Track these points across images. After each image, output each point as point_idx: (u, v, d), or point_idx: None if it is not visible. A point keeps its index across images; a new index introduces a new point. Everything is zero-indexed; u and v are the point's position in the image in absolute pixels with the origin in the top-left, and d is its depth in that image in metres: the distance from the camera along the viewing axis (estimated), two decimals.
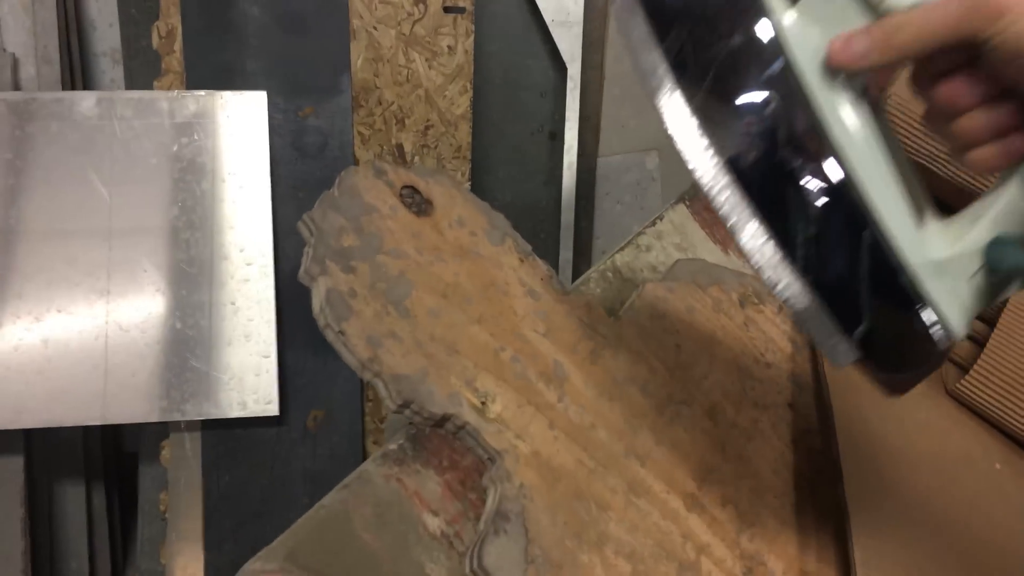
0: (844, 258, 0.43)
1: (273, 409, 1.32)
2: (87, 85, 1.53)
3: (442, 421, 0.60)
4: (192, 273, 1.32)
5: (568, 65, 1.53)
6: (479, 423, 0.61)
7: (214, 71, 1.36)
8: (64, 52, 1.43)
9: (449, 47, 1.40)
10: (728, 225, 0.45)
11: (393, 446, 0.59)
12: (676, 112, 0.45)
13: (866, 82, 0.44)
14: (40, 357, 1.22)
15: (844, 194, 0.43)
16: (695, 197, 0.96)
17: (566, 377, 0.67)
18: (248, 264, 1.34)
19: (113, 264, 1.29)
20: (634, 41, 0.46)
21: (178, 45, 1.33)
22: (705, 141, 0.44)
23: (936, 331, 0.44)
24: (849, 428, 0.77)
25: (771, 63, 0.43)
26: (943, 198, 1.05)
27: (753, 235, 0.44)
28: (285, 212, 1.37)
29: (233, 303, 1.33)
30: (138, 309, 1.28)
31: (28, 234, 1.25)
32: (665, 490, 0.67)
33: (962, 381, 0.91)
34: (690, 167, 0.45)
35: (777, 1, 0.44)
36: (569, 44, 1.52)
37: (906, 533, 0.73)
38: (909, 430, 0.84)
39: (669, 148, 1.82)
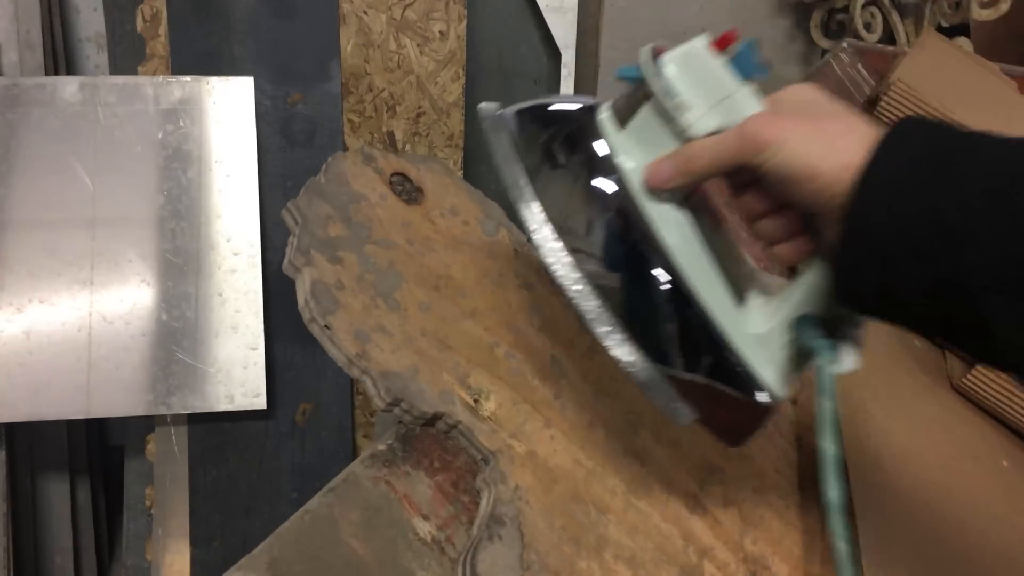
0: (679, 336, 0.51)
1: (261, 403, 1.29)
2: (71, 71, 1.50)
3: (433, 420, 0.57)
4: (178, 263, 1.28)
5: (562, 52, 1.50)
6: (472, 422, 0.58)
7: (200, 56, 1.32)
8: (47, 37, 1.39)
9: (441, 32, 1.37)
10: (579, 313, 0.52)
11: (382, 446, 0.56)
12: (535, 219, 0.53)
13: (685, 190, 0.52)
14: (22, 349, 1.19)
15: (673, 284, 0.51)
16: None
17: (563, 373, 0.65)
18: (235, 254, 1.31)
19: (97, 254, 1.25)
20: (499, 157, 0.55)
21: (163, 29, 1.30)
22: (560, 244, 0.52)
23: (759, 394, 0.52)
24: (854, 425, 0.75)
25: (607, 177, 0.52)
26: None
27: (598, 318, 0.52)
28: (273, 201, 1.34)
29: (220, 294, 1.30)
30: (122, 300, 1.25)
31: (9, 223, 1.21)
32: (666, 491, 0.64)
33: (968, 376, 0.88)
34: (550, 267, 0.53)
35: (610, 125, 0.53)
36: (563, 30, 1.49)
37: (912, 532, 0.70)
38: (914, 426, 0.82)
39: None
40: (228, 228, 1.30)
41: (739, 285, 0.53)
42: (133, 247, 1.27)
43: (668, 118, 0.50)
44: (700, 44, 0.50)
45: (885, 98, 0.97)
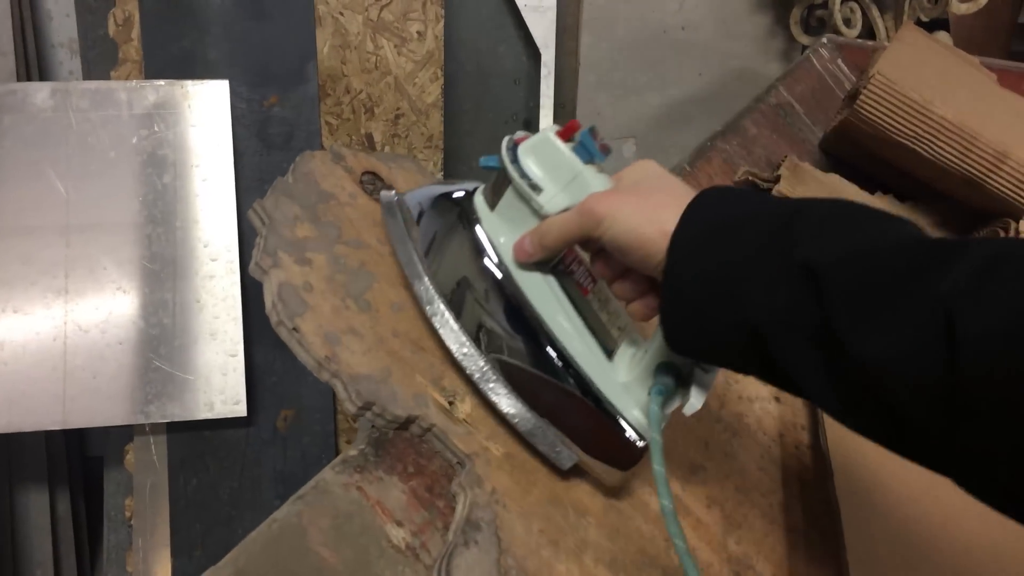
0: (557, 388, 0.57)
1: (241, 410, 1.28)
2: (43, 77, 1.48)
3: (407, 423, 0.56)
4: (154, 270, 1.27)
5: (542, 51, 1.49)
6: (447, 425, 0.57)
7: (174, 60, 1.31)
8: (19, 43, 1.37)
9: (419, 33, 1.35)
10: (467, 374, 0.58)
11: (353, 452, 0.54)
12: (427, 293, 0.59)
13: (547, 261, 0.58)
14: None
15: (548, 342, 0.57)
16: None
17: None
18: (213, 260, 1.29)
19: (71, 262, 1.23)
20: (394, 239, 0.61)
21: (136, 33, 1.28)
22: (449, 314, 0.59)
23: (631, 434, 0.57)
24: (835, 425, 0.74)
25: (482, 251, 0.58)
26: (926, 175, 1.02)
27: (483, 376, 0.58)
28: (250, 204, 1.32)
29: (198, 300, 1.28)
30: (98, 308, 1.23)
31: None
32: (647, 492, 0.63)
33: None
34: (441, 335, 0.59)
35: (482, 206, 0.60)
36: (543, 30, 1.48)
37: (897, 530, 0.69)
38: None
39: (646, 135, 1.79)
40: (205, 233, 1.28)
41: (607, 339, 0.60)
42: (108, 254, 1.25)
43: (526, 199, 0.56)
44: (549, 134, 0.56)
45: (865, 92, 0.96)
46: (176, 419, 1.26)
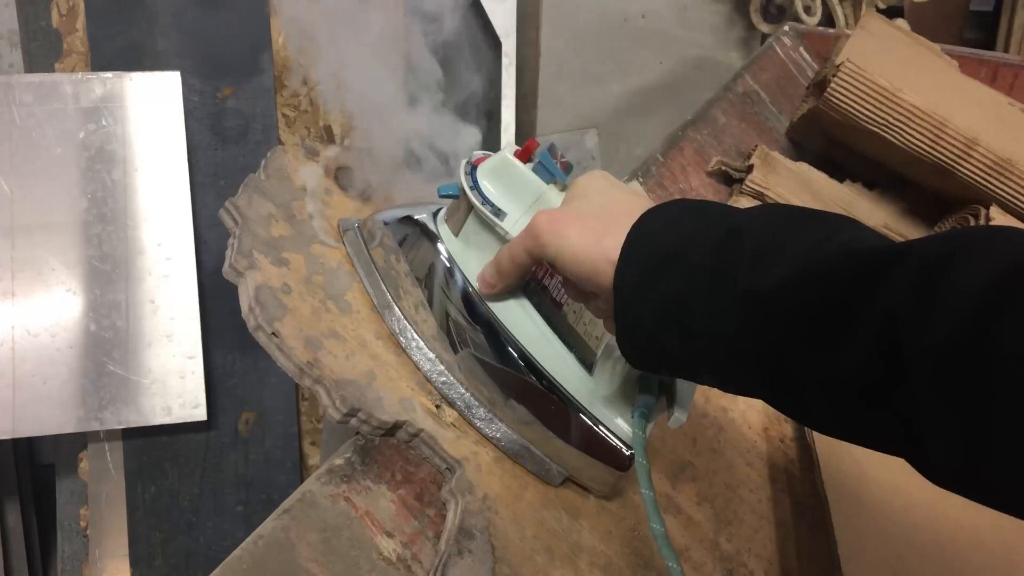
0: (540, 408, 0.56)
1: (201, 414, 1.23)
2: None
3: (393, 429, 0.53)
4: (105, 270, 1.22)
5: (502, 40, 1.46)
6: (435, 429, 0.54)
7: (122, 51, 1.25)
8: None
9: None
10: (449, 401, 0.57)
11: (339, 460, 0.52)
12: (398, 323, 0.58)
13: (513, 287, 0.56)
14: None
15: (530, 366, 0.56)
16: (647, 173, 0.91)
17: None
18: (167, 259, 1.24)
19: (17, 263, 1.18)
20: (360, 266, 0.60)
21: (81, 23, 1.23)
22: (422, 342, 0.57)
23: (616, 443, 0.56)
24: None
25: (450, 278, 0.57)
26: (895, 162, 1.02)
27: (466, 404, 0.57)
28: (205, 202, 1.28)
29: (152, 301, 1.23)
30: (47, 311, 1.18)
31: None
32: (639, 492, 0.61)
33: None
34: (417, 364, 0.58)
35: (447, 232, 0.58)
36: (503, 19, 1.45)
37: (884, 521, 0.69)
38: None
39: (607, 125, 1.78)
40: (158, 231, 1.24)
41: (585, 352, 0.59)
42: (56, 254, 1.19)
43: (490, 225, 0.55)
44: (507, 155, 0.55)
45: (835, 80, 0.96)
46: (132, 425, 1.21)
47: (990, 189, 0.94)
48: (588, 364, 0.57)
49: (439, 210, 0.59)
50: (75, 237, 1.20)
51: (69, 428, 1.18)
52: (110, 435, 1.27)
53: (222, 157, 1.32)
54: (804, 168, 1.05)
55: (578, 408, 0.56)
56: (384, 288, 0.58)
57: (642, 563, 0.58)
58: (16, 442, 1.44)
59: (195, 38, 1.28)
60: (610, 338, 0.59)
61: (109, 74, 1.21)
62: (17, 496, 1.43)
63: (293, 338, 0.52)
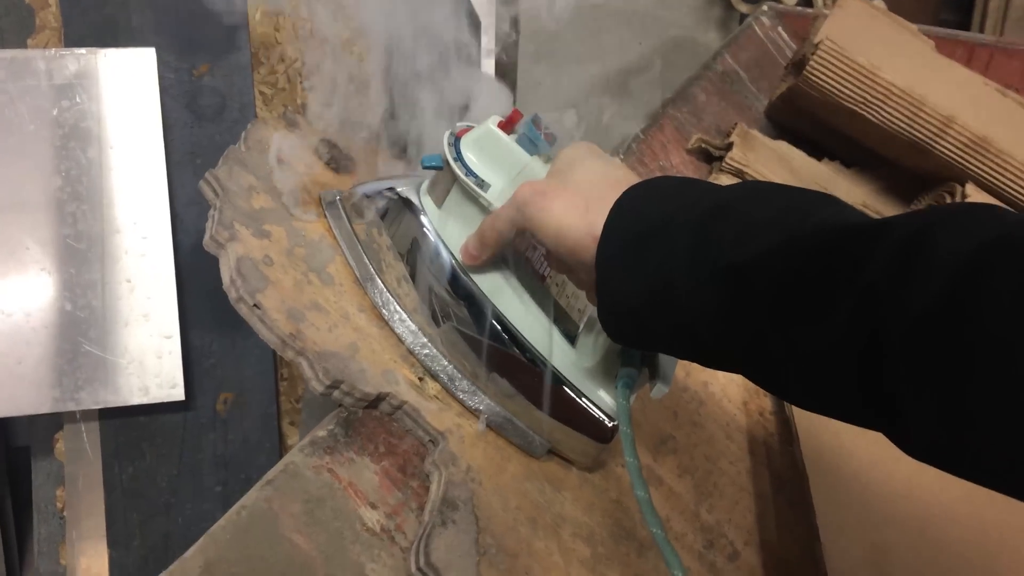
0: (523, 380, 0.56)
1: (178, 393, 1.22)
2: None
3: (376, 401, 0.53)
4: (81, 249, 1.20)
5: (482, 19, 1.45)
6: (418, 401, 0.54)
7: (95, 27, 1.23)
8: None
9: None
10: (432, 373, 0.57)
11: (322, 432, 0.51)
12: (381, 295, 0.58)
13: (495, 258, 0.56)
14: None
15: (510, 335, 0.56)
16: (628, 151, 0.91)
17: None
18: (143, 238, 1.23)
19: None
20: (342, 239, 0.59)
21: None
22: (405, 315, 0.57)
23: (599, 415, 0.57)
24: None
25: (433, 250, 0.56)
26: (873, 140, 1.02)
27: (451, 376, 0.57)
28: (182, 180, 1.26)
29: (128, 280, 1.22)
30: (21, 291, 1.16)
31: None
32: (619, 464, 0.62)
33: None
34: (400, 337, 0.57)
35: (429, 204, 0.58)
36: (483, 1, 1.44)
37: (862, 493, 0.70)
38: None
39: (586, 106, 1.77)
40: (134, 210, 1.22)
41: (568, 324, 0.59)
42: (30, 233, 1.18)
43: (474, 196, 0.55)
44: (491, 126, 0.55)
45: (814, 59, 0.96)
46: (109, 405, 1.20)
47: (966, 167, 0.95)
48: (571, 336, 0.57)
49: (422, 183, 0.59)
50: (49, 216, 1.19)
51: (45, 408, 1.17)
52: (86, 416, 1.26)
53: (198, 135, 1.30)
54: (783, 146, 1.05)
55: (560, 380, 0.56)
56: (367, 261, 0.57)
57: (624, 533, 0.58)
58: None
59: (170, 14, 1.26)
60: (592, 310, 0.60)
61: (83, 50, 1.19)
62: None
63: (275, 310, 0.51)
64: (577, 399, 0.56)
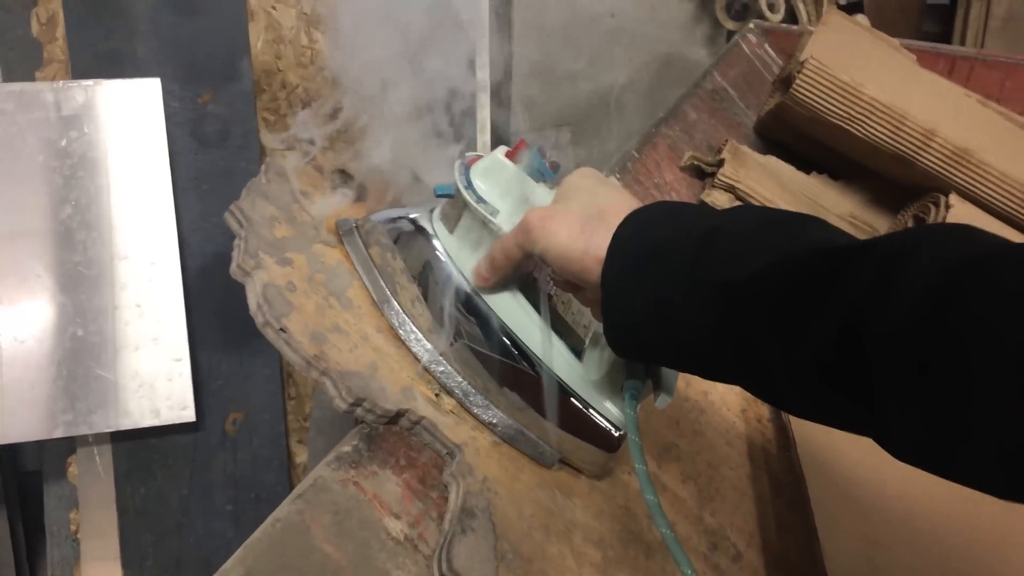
0: (533, 394, 0.59)
1: (189, 415, 1.25)
2: None
3: (396, 417, 0.56)
4: (91, 276, 1.23)
5: (476, 42, 1.49)
6: (435, 416, 0.57)
7: (102, 59, 1.27)
8: None
9: None
10: (447, 389, 0.60)
11: (347, 448, 0.55)
12: (397, 316, 0.61)
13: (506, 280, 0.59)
14: None
15: (520, 351, 0.59)
16: (624, 169, 0.95)
17: None
18: (152, 263, 1.26)
19: (2, 270, 1.19)
20: (359, 264, 0.62)
21: (60, 32, 1.24)
22: (420, 334, 0.60)
23: (606, 425, 0.60)
24: None
25: (448, 274, 0.60)
26: (859, 154, 1.06)
27: (464, 392, 0.60)
28: (188, 206, 1.30)
29: (138, 305, 1.25)
30: (33, 318, 1.19)
31: None
32: (626, 471, 0.65)
33: None
34: (416, 355, 0.60)
35: (441, 230, 0.62)
36: (476, 20, 1.48)
37: (858, 494, 0.73)
38: None
39: (581, 123, 1.81)
40: (142, 236, 1.25)
41: (575, 339, 0.62)
42: (41, 261, 1.21)
43: (484, 222, 0.58)
44: (499, 156, 0.59)
45: (800, 77, 1.00)
46: (121, 428, 1.22)
47: (949, 177, 0.99)
48: (577, 351, 0.61)
49: (433, 210, 0.62)
50: (59, 243, 1.22)
51: (58, 433, 1.19)
52: (98, 439, 1.28)
53: (203, 161, 1.33)
54: (772, 161, 1.09)
55: (569, 393, 0.59)
56: (382, 284, 0.61)
57: (632, 537, 0.61)
58: (0, 451, 1.44)
59: (174, 45, 1.29)
60: (597, 326, 0.63)
61: (90, 82, 1.22)
62: (3, 503, 1.44)
63: (300, 333, 0.54)
64: (585, 411, 0.59)
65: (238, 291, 0.57)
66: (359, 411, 0.55)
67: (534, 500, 0.58)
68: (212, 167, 1.33)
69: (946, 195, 0.98)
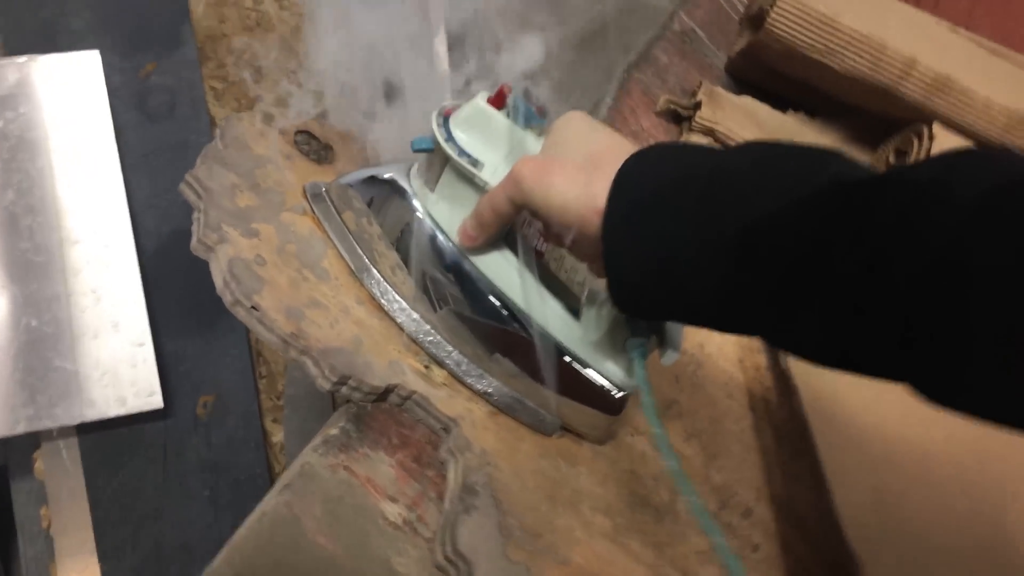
0: (529, 359, 0.55)
1: (157, 401, 1.20)
2: None
3: (385, 394, 0.52)
4: (40, 263, 1.17)
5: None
6: (427, 390, 0.54)
7: (34, 33, 1.19)
8: None
9: None
10: (437, 359, 0.56)
11: (334, 430, 0.50)
12: (378, 286, 0.56)
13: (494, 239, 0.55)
14: None
15: (513, 314, 0.55)
16: (599, 118, 0.90)
17: None
18: (105, 246, 1.20)
19: None
20: (333, 232, 0.58)
21: None
22: (404, 303, 0.56)
23: (608, 386, 0.56)
24: None
25: (428, 235, 0.55)
26: (837, 88, 1.03)
27: (455, 361, 0.56)
28: (138, 183, 1.23)
29: (94, 291, 1.19)
30: None
31: None
32: (628, 433, 0.62)
33: None
34: (400, 325, 0.56)
35: (421, 189, 0.57)
36: None
37: (861, 438, 0.70)
38: None
39: (551, 72, 1.76)
40: (92, 218, 1.19)
41: (570, 298, 0.58)
42: None
43: (468, 177, 0.53)
44: (480, 103, 0.54)
45: (774, 11, 0.96)
46: (87, 420, 1.17)
47: (931, 107, 0.96)
48: (574, 311, 0.57)
49: (410, 167, 0.58)
50: (4, 230, 1.15)
51: (20, 429, 1.14)
52: (64, 432, 1.23)
53: (150, 136, 1.27)
54: (748, 101, 1.05)
55: (567, 355, 0.56)
56: (360, 252, 0.56)
57: (639, 501, 0.58)
58: None
59: (110, 14, 1.22)
60: (593, 282, 0.59)
61: (24, 58, 1.15)
62: None
63: (274, 310, 0.50)
64: (585, 373, 0.56)
65: (200, 269, 0.52)
66: (344, 390, 0.51)
67: (537, 471, 0.55)
68: (161, 141, 1.27)
69: (929, 125, 0.96)
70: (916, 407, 0.72)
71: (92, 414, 1.17)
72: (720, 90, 1.01)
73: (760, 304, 0.41)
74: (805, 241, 0.39)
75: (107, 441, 1.24)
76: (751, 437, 0.70)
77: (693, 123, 0.96)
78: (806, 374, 0.71)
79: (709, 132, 0.95)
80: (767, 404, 0.73)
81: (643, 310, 0.49)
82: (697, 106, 0.97)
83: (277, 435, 1.40)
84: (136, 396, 1.19)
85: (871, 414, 0.71)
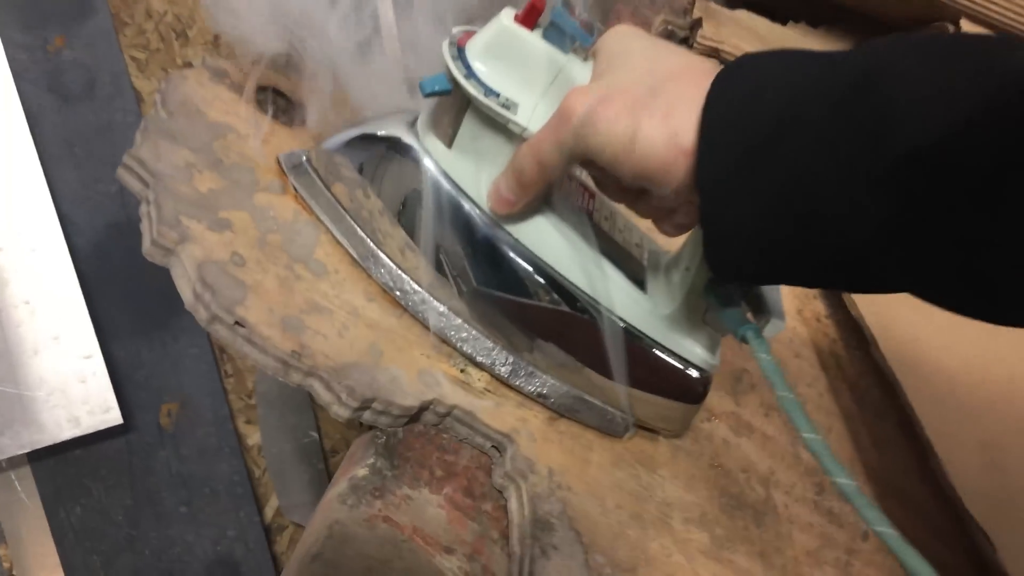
0: (590, 346, 0.44)
1: (114, 417, 1.07)
2: None
3: (419, 414, 0.41)
4: None
5: None
6: (468, 401, 0.42)
7: None
8: None
9: None
10: (474, 361, 0.45)
11: (362, 471, 0.39)
12: (392, 275, 0.45)
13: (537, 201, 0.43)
14: None
15: (564, 294, 0.44)
16: None
17: None
18: (32, 250, 1.06)
19: None
20: (325, 214, 0.46)
21: None
22: (430, 295, 0.44)
23: (688, 370, 0.46)
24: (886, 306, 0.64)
25: (450, 204, 0.43)
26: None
27: (498, 359, 0.45)
28: (62, 174, 1.09)
29: (27, 302, 1.05)
30: None
31: None
32: (707, 419, 0.51)
33: None
34: (427, 322, 0.45)
35: (435, 145, 0.44)
36: None
37: (956, 389, 0.60)
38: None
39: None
40: (15, 221, 1.04)
41: (632, 265, 0.47)
42: None
43: (498, 123, 0.41)
44: (506, 22, 0.40)
45: None
46: (37, 446, 1.04)
47: (955, 2, 0.86)
48: (639, 281, 0.45)
49: (412, 119, 0.45)
50: None
51: None
52: (14, 462, 1.09)
53: (70, 119, 1.12)
54: (744, 15, 0.94)
55: (637, 336, 0.44)
56: (361, 234, 0.44)
57: (734, 502, 0.48)
58: None
59: None
60: (651, 243, 0.48)
61: None
62: None
63: (265, 324, 0.38)
64: (660, 356, 0.45)
65: (145, 266, 0.40)
66: (368, 415, 0.39)
67: (615, 485, 0.44)
68: (82, 124, 1.12)
69: (956, 24, 0.85)
70: (1007, 343, 0.62)
71: (43, 439, 1.05)
72: (715, 5, 0.90)
73: (933, 246, 0.31)
74: (998, 157, 0.28)
75: (64, 467, 1.12)
76: (830, 401, 0.59)
77: (695, 44, 0.84)
78: (880, 318, 0.62)
79: (714, 52, 0.84)
80: (838, 360, 0.63)
81: (748, 270, 0.37)
82: (695, 24, 0.85)
83: (253, 437, 1.28)
84: (91, 414, 1.07)
85: (960, 359, 0.61)
